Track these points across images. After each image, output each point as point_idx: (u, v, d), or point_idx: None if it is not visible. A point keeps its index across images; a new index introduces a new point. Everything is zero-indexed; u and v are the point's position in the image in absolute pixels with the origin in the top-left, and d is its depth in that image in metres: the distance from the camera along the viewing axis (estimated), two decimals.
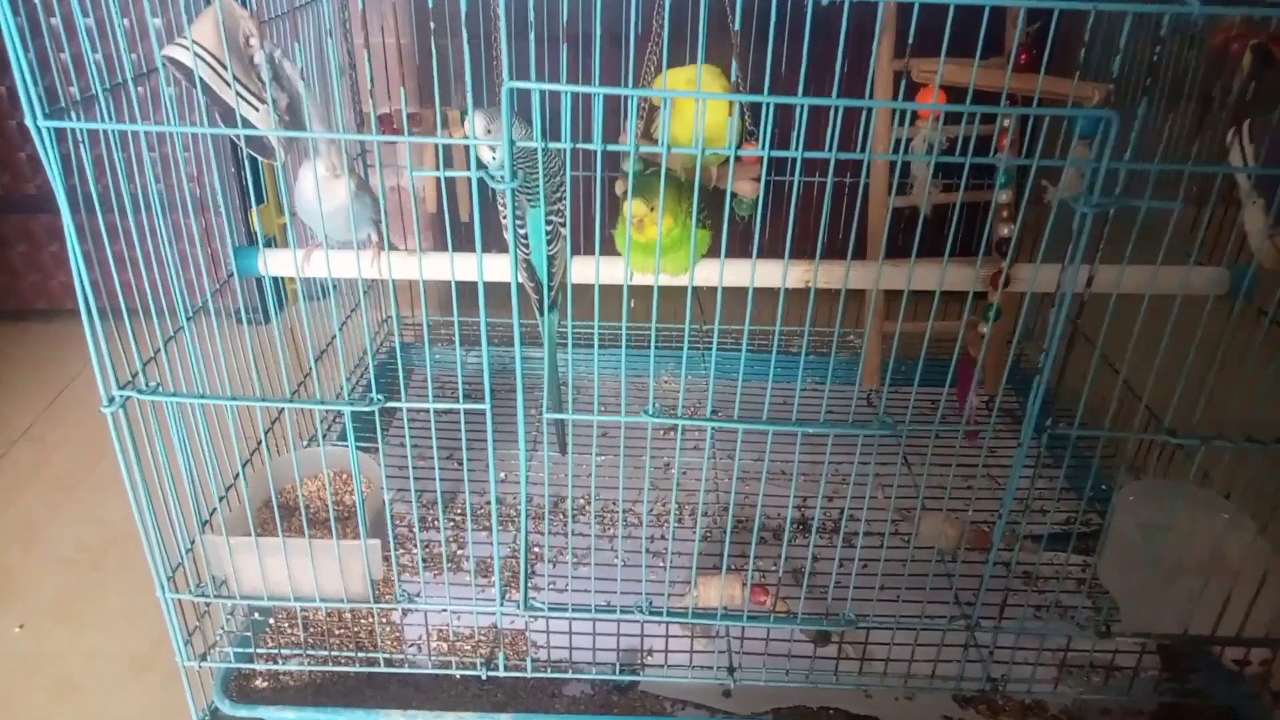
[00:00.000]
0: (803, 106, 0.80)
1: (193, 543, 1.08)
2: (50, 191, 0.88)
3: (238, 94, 0.98)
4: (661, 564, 1.32)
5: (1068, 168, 1.24)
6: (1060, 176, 1.15)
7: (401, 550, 1.35)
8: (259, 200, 1.47)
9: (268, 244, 1.33)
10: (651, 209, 1.00)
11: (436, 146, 1.57)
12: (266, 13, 1.33)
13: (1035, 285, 1.03)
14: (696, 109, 0.87)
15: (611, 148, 0.83)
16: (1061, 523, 1.42)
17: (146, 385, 0.98)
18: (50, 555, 1.45)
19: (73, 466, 1.65)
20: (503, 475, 1.55)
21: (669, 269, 1.16)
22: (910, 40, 0.82)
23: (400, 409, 1.67)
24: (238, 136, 1.04)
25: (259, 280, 1.15)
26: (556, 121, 0.83)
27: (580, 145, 0.83)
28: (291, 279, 1.52)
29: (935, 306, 0.99)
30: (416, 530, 1.12)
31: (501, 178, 0.84)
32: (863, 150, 0.84)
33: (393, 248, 1.12)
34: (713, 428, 0.98)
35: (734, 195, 1.57)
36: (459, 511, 1.44)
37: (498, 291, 0.92)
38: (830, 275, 1.14)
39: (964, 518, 1.27)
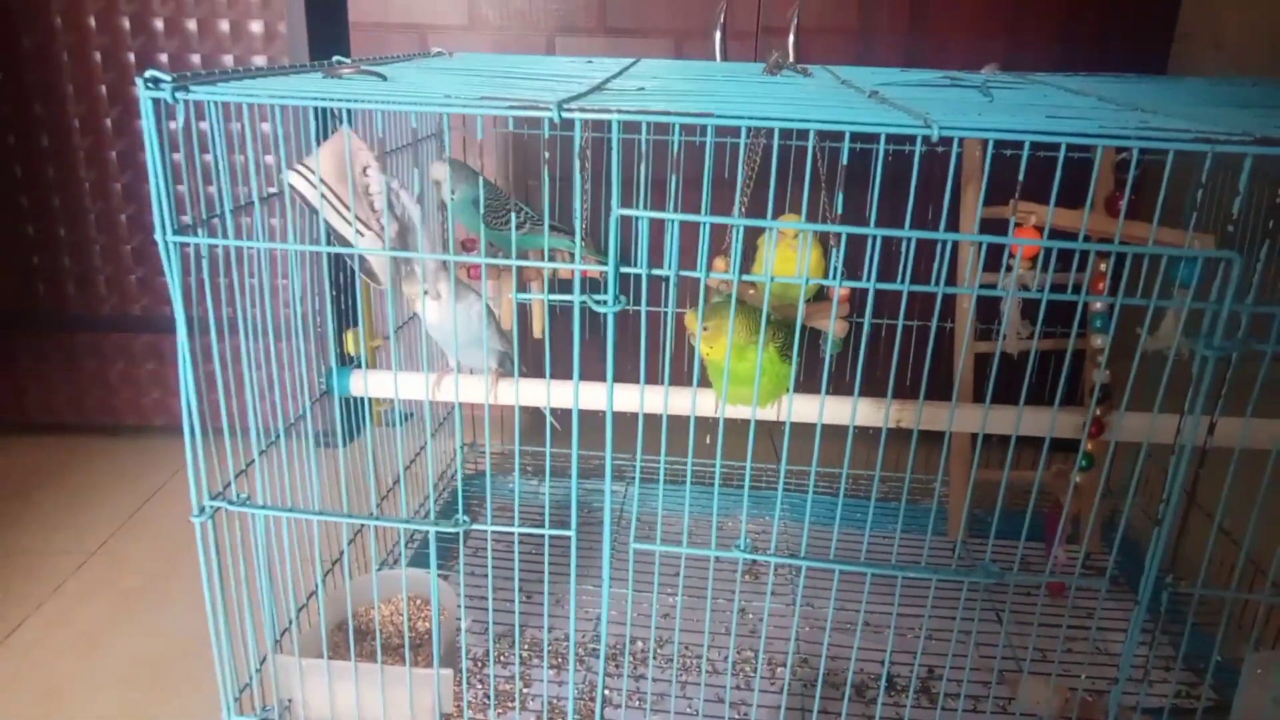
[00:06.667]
0: (875, 241, 0.79)
1: (263, 661, 1.06)
2: (154, 312, 0.91)
3: (347, 219, 1.02)
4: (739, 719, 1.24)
5: (1168, 317, 1.20)
6: (1158, 324, 1.12)
7: (470, 686, 1.30)
8: (354, 323, 1.51)
9: (358, 367, 1.36)
10: (704, 328, 1.03)
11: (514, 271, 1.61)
12: (389, 144, 1.41)
13: (1146, 434, 0.98)
14: (802, 245, 0.88)
15: (715, 275, 0.83)
16: (1177, 696, 1.31)
17: (236, 497, 0.99)
18: (108, 670, 1.43)
19: (141, 580, 1.65)
20: (584, 611, 1.50)
21: (760, 398, 1.16)
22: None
23: (475, 535, 1.66)
24: (351, 259, 1.08)
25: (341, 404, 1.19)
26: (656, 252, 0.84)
27: (683, 273, 0.83)
28: (379, 401, 1.55)
29: (1045, 452, 0.94)
30: (460, 662, 1.08)
31: (602, 300, 0.84)
32: (937, 283, 0.82)
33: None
34: (806, 567, 0.93)
35: (822, 334, 1.57)
36: (526, 646, 1.39)
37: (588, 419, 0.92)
38: (927, 415, 1.11)
39: (1068, 683, 1.17)
